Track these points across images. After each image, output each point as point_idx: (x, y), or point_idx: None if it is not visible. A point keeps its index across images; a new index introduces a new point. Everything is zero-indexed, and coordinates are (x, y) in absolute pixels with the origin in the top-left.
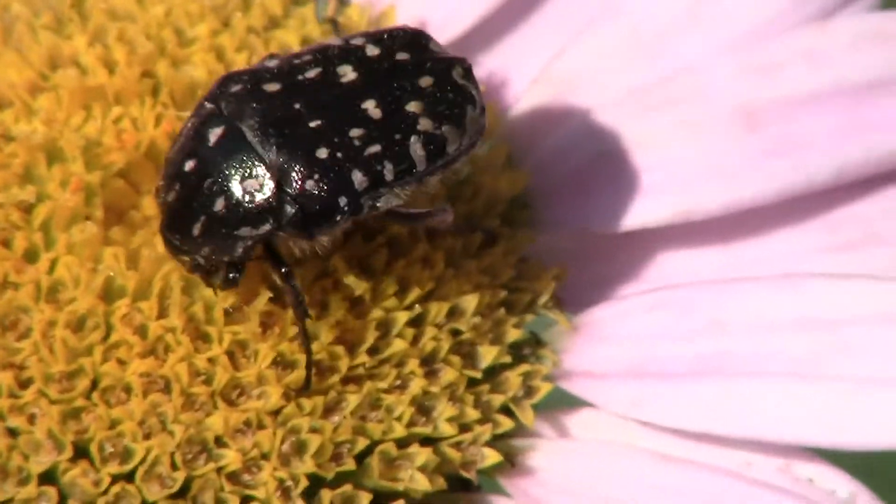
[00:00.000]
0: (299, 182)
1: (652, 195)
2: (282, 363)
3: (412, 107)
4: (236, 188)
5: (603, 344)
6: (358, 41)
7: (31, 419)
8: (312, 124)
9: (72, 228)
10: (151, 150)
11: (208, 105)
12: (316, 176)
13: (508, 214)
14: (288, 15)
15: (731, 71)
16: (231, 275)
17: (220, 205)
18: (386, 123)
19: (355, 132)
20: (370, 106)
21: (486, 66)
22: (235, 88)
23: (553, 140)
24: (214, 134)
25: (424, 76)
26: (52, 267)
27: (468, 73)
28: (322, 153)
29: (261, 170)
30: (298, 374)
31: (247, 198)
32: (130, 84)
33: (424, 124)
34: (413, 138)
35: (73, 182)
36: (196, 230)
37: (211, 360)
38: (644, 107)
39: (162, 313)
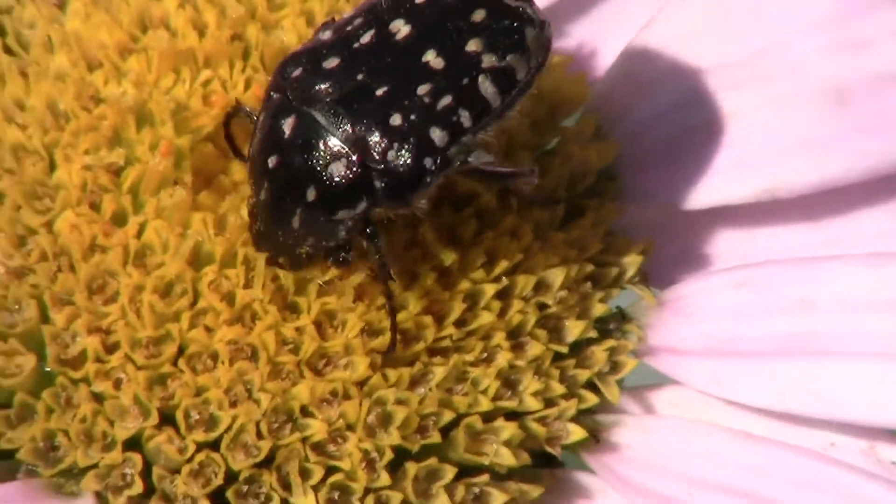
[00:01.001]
0: (381, 154)
1: (740, 170)
2: (369, 331)
3: (472, 46)
4: (324, 175)
5: (689, 320)
6: None
7: (118, 384)
8: (380, 92)
9: (161, 192)
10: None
11: (275, 95)
12: (396, 144)
13: (596, 186)
14: None
15: (823, 46)
16: (341, 256)
17: (312, 194)
18: (450, 71)
19: (423, 88)
20: (431, 57)
21: (575, 36)
22: (296, 73)
23: (642, 111)
24: (288, 125)
25: (476, 10)
26: (140, 231)
27: None
28: (396, 119)
29: (342, 151)
30: (384, 339)
31: (336, 182)
32: (220, 47)
33: (488, 60)
34: (481, 78)
35: (163, 145)
36: (296, 223)
37: (298, 330)
38: (734, 80)
39: (248, 283)
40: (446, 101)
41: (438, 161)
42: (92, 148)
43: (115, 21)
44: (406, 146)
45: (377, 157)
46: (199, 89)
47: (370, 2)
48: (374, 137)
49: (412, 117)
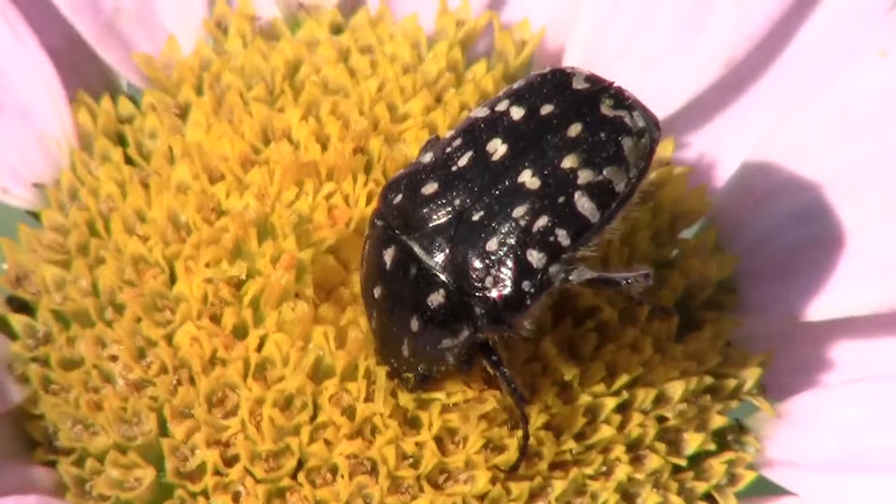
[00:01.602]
0: (479, 281)
1: (859, 283)
2: (491, 448)
3: (568, 162)
4: (423, 306)
5: (808, 433)
6: (503, 105)
7: (237, 497)
8: (475, 218)
9: (282, 306)
10: (362, 227)
11: (378, 223)
12: (493, 270)
13: (715, 297)
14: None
15: None
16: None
17: (415, 325)
18: (546, 190)
19: (519, 210)
20: (526, 178)
21: (696, 147)
22: (397, 200)
23: (761, 222)
24: (388, 255)
25: (573, 124)
26: (261, 344)
27: (618, 99)
28: (492, 245)
29: (438, 280)
30: (508, 456)
31: (435, 312)
32: (343, 160)
33: (585, 176)
34: (577, 194)
35: (285, 259)
36: (405, 351)
37: (419, 444)
38: (853, 191)
39: (369, 396)
40: (543, 221)
41: (538, 283)
42: (213, 261)
43: (238, 132)
44: (503, 271)
45: (476, 284)
46: (321, 202)
47: (470, 119)
48: (472, 264)
49: (509, 241)
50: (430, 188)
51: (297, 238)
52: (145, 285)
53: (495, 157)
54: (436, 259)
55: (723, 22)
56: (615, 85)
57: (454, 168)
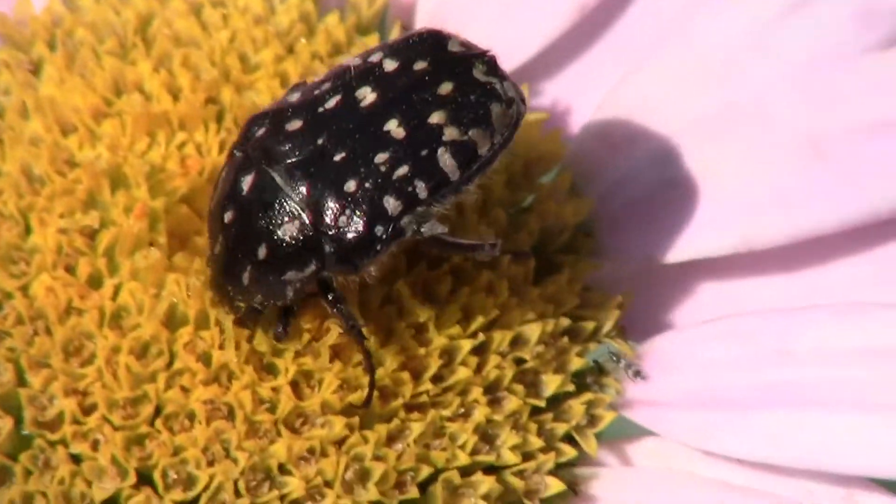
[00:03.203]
0: (333, 219)
1: (716, 224)
2: (346, 388)
3: (435, 118)
4: (275, 234)
5: (667, 373)
6: (376, 56)
7: (95, 445)
8: (337, 158)
9: (136, 254)
10: (215, 176)
11: (238, 153)
12: (348, 210)
13: (572, 242)
14: (352, 43)
15: (797, 100)
16: (284, 325)
17: (262, 253)
18: (410, 141)
19: (381, 157)
20: (392, 126)
21: (550, 94)
22: (260, 132)
23: (617, 167)
24: (246, 182)
25: (444, 82)
26: (116, 293)
27: (491, 66)
28: (350, 186)
29: (295, 212)
30: (361, 394)
31: (286, 242)
32: (195, 110)
33: (450, 133)
34: (440, 150)
35: (138, 208)
36: (245, 279)
37: (275, 389)
38: (709, 135)
39: (223, 343)
40: (403, 170)
41: (390, 229)
42: (67, 212)
43: (89, 85)
44: (358, 213)
45: (329, 222)
46: (174, 152)
47: (342, 66)
48: (328, 202)
49: (367, 185)
50: (294, 125)
51: (149, 187)
52: (0, 238)
53: (364, 104)
54: (295, 191)
55: None
56: (490, 53)
57: (320, 110)
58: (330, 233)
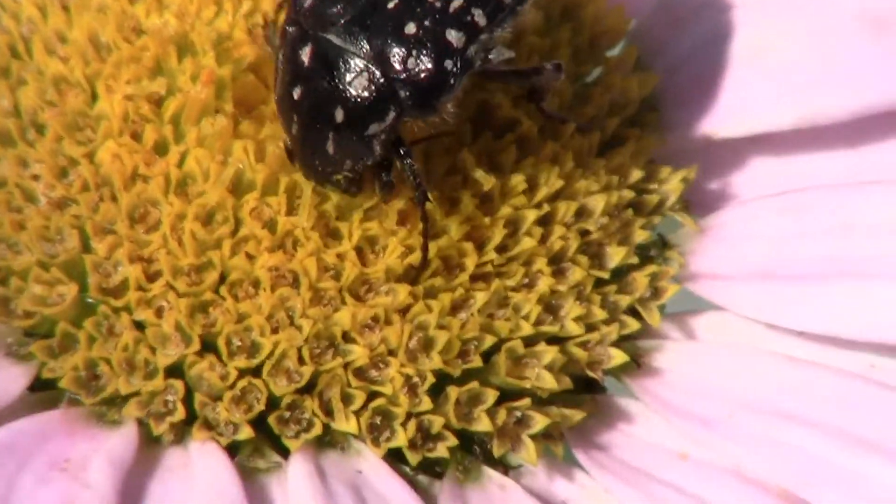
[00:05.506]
0: (401, 64)
1: (779, 99)
2: (410, 255)
3: None
4: (348, 94)
5: (730, 246)
6: None
7: (159, 312)
8: (390, 5)
9: (202, 121)
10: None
11: (291, 28)
12: (414, 52)
13: (637, 116)
14: None
15: None
16: (384, 179)
17: (340, 115)
18: None
19: None
20: None
21: None
22: (308, 2)
23: (681, 44)
24: (306, 54)
25: None
26: (181, 160)
27: None
28: (410, 28)
29: (362, 67)
30: (416, 255)
31: (362, 97)
32: None
33: None
34: None
35: (204, 75)
36: (331, 147)
37: (340, 256)
38: (771, 12)
39: (291, 210)
40: (458, 2)
41: (458, 62)
42: (133, 78)
43: None
44: (424, 52)
45: (398, 67)
46: (240, 20)
47: None
48: (392, 48)
49: (426, 23)
50: None
51: (216, 55)
52: (66, 105)
53: None
54: (357, 47)
55: None
56: None
57: None
58: (402, 77)
